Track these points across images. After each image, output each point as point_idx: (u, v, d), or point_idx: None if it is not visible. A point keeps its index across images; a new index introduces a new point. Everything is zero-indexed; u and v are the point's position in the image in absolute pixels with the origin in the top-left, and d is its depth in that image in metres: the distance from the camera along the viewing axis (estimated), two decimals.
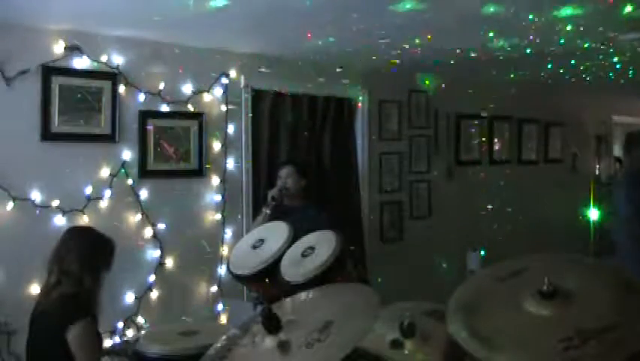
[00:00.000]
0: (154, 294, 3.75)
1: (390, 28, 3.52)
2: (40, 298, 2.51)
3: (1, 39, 3.23)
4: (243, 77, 4.16)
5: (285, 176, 3.69)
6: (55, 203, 3.39)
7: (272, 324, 1.28)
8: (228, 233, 4.07)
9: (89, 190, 3.51)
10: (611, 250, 3.81)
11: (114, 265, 2.59)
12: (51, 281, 2.43)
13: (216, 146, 4.05)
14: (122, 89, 3.63)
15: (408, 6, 3.05)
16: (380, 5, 3.08)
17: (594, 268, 1.41)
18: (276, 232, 2.14)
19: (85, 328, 2.31)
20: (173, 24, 3.39)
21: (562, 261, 1.45)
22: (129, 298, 3.64)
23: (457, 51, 4.05)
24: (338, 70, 4.50)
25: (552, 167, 6.68)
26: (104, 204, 3.57)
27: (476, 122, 5.85)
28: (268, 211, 3.53)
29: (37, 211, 3.33)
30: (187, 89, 3.91)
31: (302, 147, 4.50)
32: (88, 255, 2.46)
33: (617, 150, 8.50)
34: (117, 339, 3.45)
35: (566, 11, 3.14)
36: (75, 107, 3.46)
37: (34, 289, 3.25)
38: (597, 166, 7.31)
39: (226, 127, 4.08)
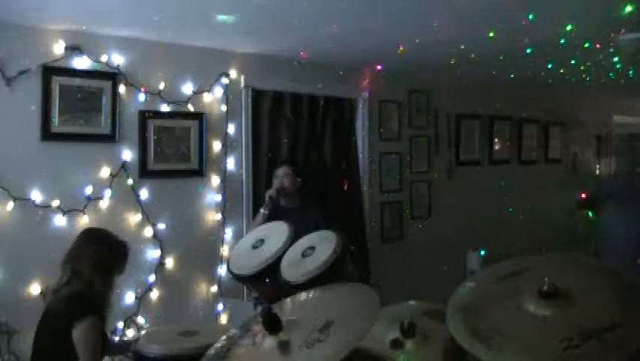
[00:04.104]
0: (154, 294, 3.75)
1: (390, 28, 3.52)
2: (50, 296, 2.53)
3: (1, 39, 3.23)
4: (243, 77, 4.16)
5: (282, 176, 3.72)
6: (55, 203, 3.39)
7: (272, 324, 1.28)
8: (228, 233, 4.07)
9: (89, 190, 3.51)
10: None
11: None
12: (62, 280, 2.44)
13: (216, 146, 4.05)
14: (122, 89, 3.63)
15: (407, 6, 3.05)
16: (379, 5, 3.08)
17: (594, 268, 1.41)
18: (276, 232, 2.14)
19: (90, 326, 2.32)
20: (173, 24, 3.39)
21: (562, 261, 1.46)
22: (129, 298, 3.64)
23: (458, 51, 4.05)
24: None
25: (552, 167, 6.68)
26: (104, 204, 3.57)
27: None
28: (266, 212, 3.55)
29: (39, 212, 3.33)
30: (187, 89, 3.91)
31: (302, 147, 4.50)
32: (101, 257, 2.48)
33: None
34: (117, 339, 3.45)
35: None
36: (75, 107, 3.46)
37: (34, 289, 3.25)
38: (597, 166, 7.32)
39: (226, 127, 4.08)
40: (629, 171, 4.15)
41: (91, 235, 2.63)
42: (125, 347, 2.66)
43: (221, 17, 3.20)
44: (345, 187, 4.74)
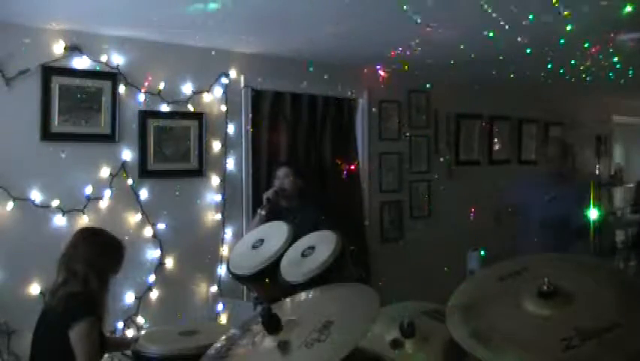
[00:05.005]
0: (154, 294, 3.75)
1: (389, 28, 3.52)
2: (48, 297, 2.53)
3: (1, 39, 3.23)
4: (242, 77, 4.16)
5: (283, 176, 3.70)
6: (55, 203, 3.39)
7: (272, 324, 1.28)
8: (228, 233, 4.07)
9: (89, 190, 3.52)
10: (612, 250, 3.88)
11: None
12: (59, 280, 2.44)
13: (216, 146, 4.05)
14: (122, 89, 3.63)
15: (407, 7, 3.05)
16: (380, 6, 3.08)
17: (594, 268, 1.41)
18: (276, 232, 2.14)
19: (87, 326, 2.32)
20: (173, 24, 3.39)
21: (562, 261, 1.45)
22: (129, 298, 3.64)
23: (458, 51, 4.05)
24: None
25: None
26: (104, 204, 3.57)
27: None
28: (263, 213, 3.52)
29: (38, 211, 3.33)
30: (187, 89, 3.91)
31: (302, 147, 4.50)
32: (95, 256, 2.47)
33: (618, 150, 8.50)
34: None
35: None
36: (75, 107, 3.46)
37: (34, 289, 3.26)
38: (597, 166, 7.31)
39: (226, 127, 4.08)
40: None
41: (85, 235, 2.62)
42: (127, 342, 2.67)
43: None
44: (345, 187, 4.74)
